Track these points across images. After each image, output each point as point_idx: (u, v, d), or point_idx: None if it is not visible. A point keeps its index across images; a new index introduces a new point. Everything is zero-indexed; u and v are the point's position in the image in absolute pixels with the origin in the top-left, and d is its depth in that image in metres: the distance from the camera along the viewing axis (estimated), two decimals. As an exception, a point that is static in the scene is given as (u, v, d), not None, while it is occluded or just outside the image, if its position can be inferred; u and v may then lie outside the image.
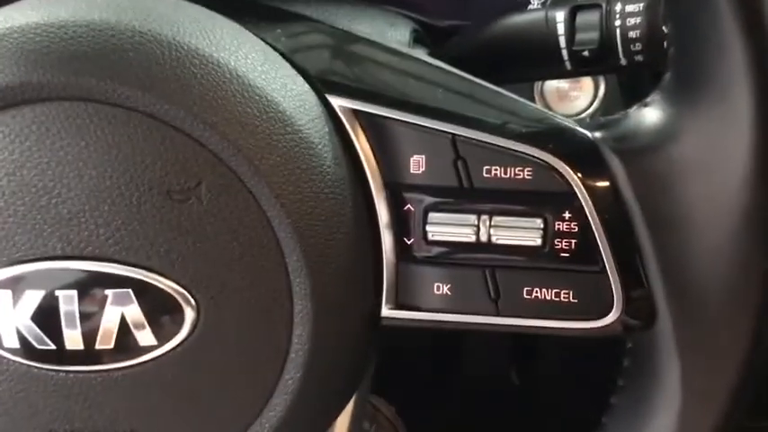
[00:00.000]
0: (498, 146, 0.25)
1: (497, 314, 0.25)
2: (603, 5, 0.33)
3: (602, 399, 0.28)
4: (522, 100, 0.27)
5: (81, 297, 0.24)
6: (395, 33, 0.35)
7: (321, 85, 0.26)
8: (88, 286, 0.24)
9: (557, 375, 0.51)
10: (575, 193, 0.24)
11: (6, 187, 0.23)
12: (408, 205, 0.26)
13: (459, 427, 0.50)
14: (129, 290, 0.24)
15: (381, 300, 0.26)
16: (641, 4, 0.32)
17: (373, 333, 0.27)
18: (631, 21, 0.32)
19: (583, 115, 0.46)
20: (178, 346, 0.24)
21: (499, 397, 0.52)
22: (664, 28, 0.32)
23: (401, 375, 0.40)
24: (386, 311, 0.26)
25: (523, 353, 0.52)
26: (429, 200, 0.25)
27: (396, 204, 0.26)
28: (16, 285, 0.24)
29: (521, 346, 0.52)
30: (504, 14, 0.35)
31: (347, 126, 0.25)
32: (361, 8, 0.35)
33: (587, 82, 0.48)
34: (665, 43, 0.31)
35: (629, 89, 0.46)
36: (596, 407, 0.28)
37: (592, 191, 0.24)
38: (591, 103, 0.48)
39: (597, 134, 0.25)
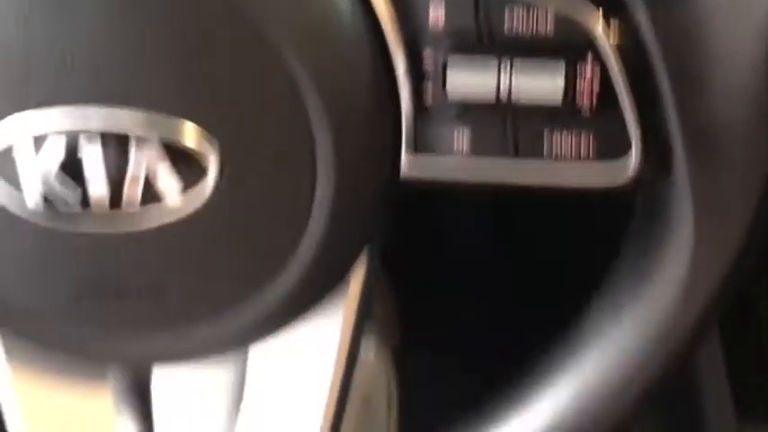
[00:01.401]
0: None
1: (516, 157, 0.26)
2: None
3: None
4: None
5: (116, 153, 0.23)
6: None
7: None
8: (114, 143, 0.23)
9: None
10: (596, 40, 0.24)
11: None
12: (427, 59, 0.25)
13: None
14: (155, 145, 0.24)
15: (400, 156, 0.26)
16: None
17: (393, 187, 0.27)
18: None
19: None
20: (210, 197, 0.24)
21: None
22: None
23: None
24: (404, 170, 0.26)
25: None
26: (448, 51, 0.25)
27: (413, 57, 0.25)
28: (39, 141, 0.23)
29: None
30: None
31: None
32: None
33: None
34: None
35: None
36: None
37: (615, 38, 0.24)
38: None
39: None
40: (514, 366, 0.31)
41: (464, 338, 0.51)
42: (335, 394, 0.32)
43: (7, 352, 0.31)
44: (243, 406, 0.33)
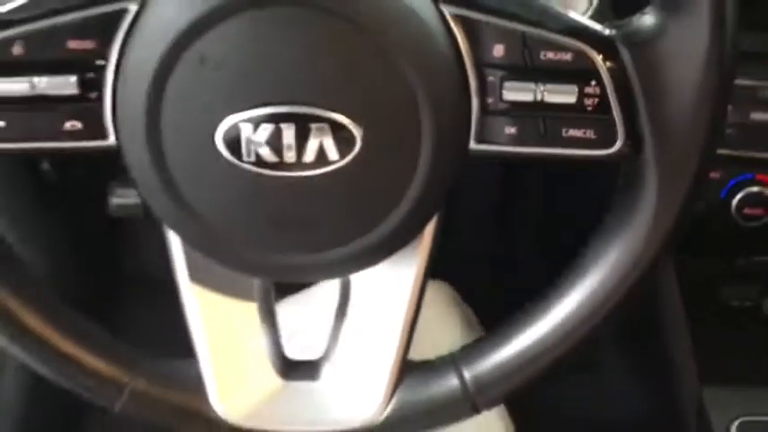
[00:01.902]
0: (551, 39, 0.39)
1: (546, 146, 0.40)
2: None
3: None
4: (560, 9, 0.41)
5: (297, 129, 0.38)
6: None
7: None
8: (300, 121, 0.38)
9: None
10: (598, 70, 0.39)
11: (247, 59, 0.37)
12: (490, 77, 0.40)
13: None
14: (325, 124, 0.38)
15: (470, 139, 0.41)
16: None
17: (462, 162, 0.41)
18: None
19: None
20: (352, 157, 0.39)
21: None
22: None
23: None
24: (473, 145, 0.41)
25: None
26: (504, 73, 0.40)
27: (481, 76, 0.40)
28: (256, 121, 0.38)
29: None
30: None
31: (451, 24, 0.39)
32: None
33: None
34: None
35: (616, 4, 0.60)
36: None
37: (609, 68, 0.39)
38: (584, 12, 0.62)
39: (613, 32, 0.39)
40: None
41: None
42: (410, 317, 0.46)
43: (191, 275, 0.45)
44: (346, 316, 0.47)
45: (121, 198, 1.02)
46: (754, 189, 0.63)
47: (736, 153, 0.63)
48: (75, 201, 1.04)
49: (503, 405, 0.67)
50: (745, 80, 0.61)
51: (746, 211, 0.63)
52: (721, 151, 0.62)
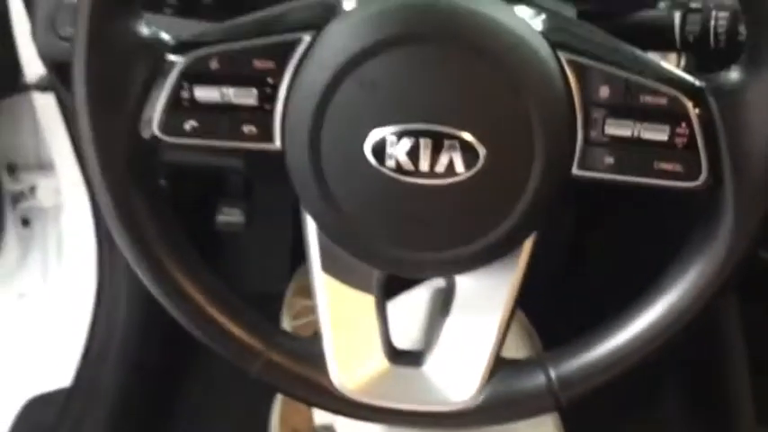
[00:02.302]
0: (650, 86, 0.46)
1: (639, 175, 0.47)
2: (705, 11, 0.55)
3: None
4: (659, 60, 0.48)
5: (433, 144, 0.46)
6: (569, 13, 0.57)
7: (555, 46, 0.47)
8: (436, 137, 0.46)
9: None
10: (688, 113, 0.46)
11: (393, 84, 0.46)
12: (595, 114, 0.47)
13: None
14: (456, 140, 0.46)
15: (573, 165, 0.48)
16: (728, 12, 0.54)
17: (565, 185, 0.48)
18: (721, 22, 0.54)
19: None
20: (475, 171, 0.46)
21: None
22: (740, 29, 0.53)
23: None
24: (575, 171, 0.48)
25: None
26: (607, 111, 0.47)
27: (587, 113, 0.47)
28: (399, 135, 0.46)
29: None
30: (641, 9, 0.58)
31: (566, 67, 0.47)
32: None
33: (672, 56, 0.69)
34: (739, 37, 0.53)
35: (699, 63, 0.68)
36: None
37: (697, 114, 0.46)
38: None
39: (703, 83, 0.47)
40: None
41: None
42: (506, 318, 0.53)
43: (323, 265, 0.53)
44: (449, 314, 0.54)
45: (227, 216, 1.13)
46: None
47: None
48: (184, 215, 1.14)
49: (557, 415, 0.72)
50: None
51: None
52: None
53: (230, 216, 1.11)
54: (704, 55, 0.62)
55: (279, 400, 1.07)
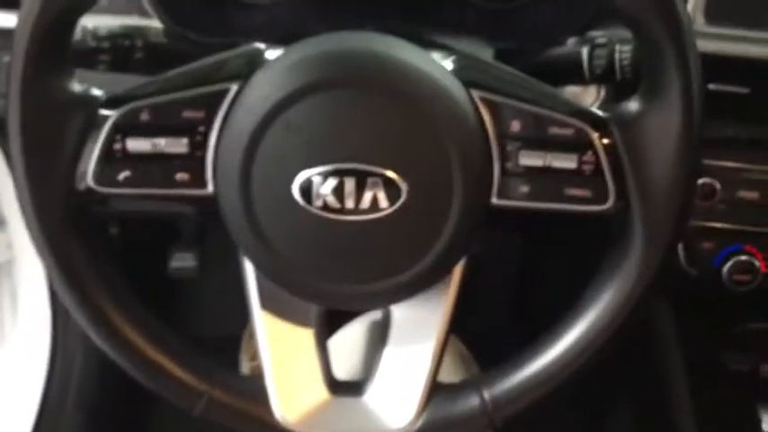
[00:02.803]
0: (558, 118, 0.50)
1: (552, 201, 0.50)
2: (609, 45, 0.59)
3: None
4: (570, 97, 0.52)
5: (357, 182, 0.48)
6: (486, 53, 0.60)
7: (467, 84, 0.50)
8: (359, 176, 0.48)
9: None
10: (594, 142, 0.49)
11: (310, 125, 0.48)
12: (509, 146, 0.50)
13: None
14: (378, 178, 0.48)
15: (492, 194, 0.51)
16: (630, 46, 0.58)
17: (485, 213, 0.51)
18: (625, 55, 0.58)
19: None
20: (399, 206, 0.49)
21: None
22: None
23: None
24: (494, 200, 0.51)
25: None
26: (520, 143, 0.50)
27: (502, 146, 0.50)
28: (324, 175, 0.48)
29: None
30: (551, 47, 0.61)
31: (479, 104, 0.50)
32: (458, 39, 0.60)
33: (592, 88, 0.73)
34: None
35: (617, 93, 0.71)
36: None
37: (602, 142, 0.49)
38: (594, 102, 0.73)
39: (607, 114, 0.50)
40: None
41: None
42: (440, 344, 0.56)
43: (262, 303, 0.55)
44: (387, 344, 0.57)
45: (179, 261, 1.14)
46: (743, 258, 0.72)
47: (726, 226, 0.72)
48: (137, 263, 1.15)
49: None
50: (734, 163, 0.72)
51: (736, 277, 0.72)
52: (713, 224, 0.72)
53: (183, 261, 1.13)
54: (615, 87, 0.66)
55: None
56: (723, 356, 0.84)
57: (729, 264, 0.72)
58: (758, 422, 0.82)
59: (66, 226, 0.51)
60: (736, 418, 0.81)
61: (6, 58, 0.52)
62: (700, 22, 0.69)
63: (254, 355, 1.17)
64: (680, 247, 0.71)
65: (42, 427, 1.04)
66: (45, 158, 0.50)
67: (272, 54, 0.51)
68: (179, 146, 0.50)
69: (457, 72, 0.51)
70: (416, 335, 0.56)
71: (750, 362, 0.84)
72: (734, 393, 0.83)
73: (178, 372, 0.55)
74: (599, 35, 0.63)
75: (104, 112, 0.50)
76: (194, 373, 0.55)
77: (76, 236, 0.51)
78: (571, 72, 0.63)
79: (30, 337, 1.07)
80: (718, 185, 0.71)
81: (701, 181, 0.70)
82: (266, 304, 0.55)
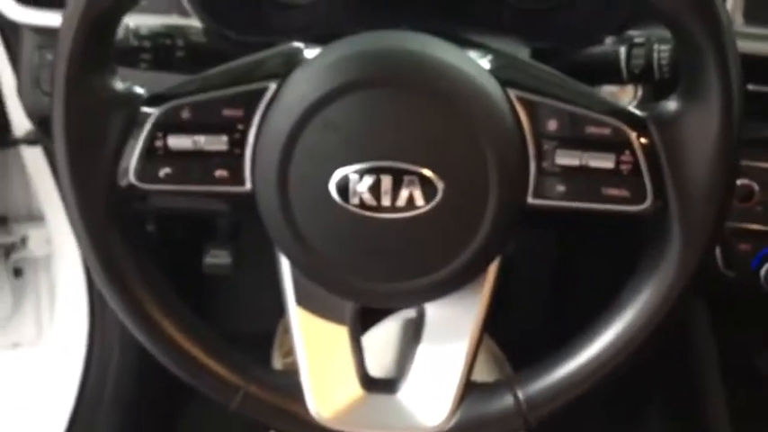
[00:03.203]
0: (595, 117, 0.50)
1: (589, 201, 0.50)
2: (647, 45, 0.58)
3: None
4: (603, 94, 0.52)
5: (393, 180, 0.49)
6: (523, 53, 0.60)
7: (504, 83, 0.50)
8: (396, 174, 0.49)
9: None
10: (632, 142, 0.49)
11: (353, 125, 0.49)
12: (546, 146, 0.50)
13: None
14: (415, 176, 0.49)
15: (528, 193, 0.51)
16: (669, 45, 0.58)
17: (521, 213, 0.51)
18: (664, 54, 0.58)
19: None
20: (435, 204, 0.49)
21: None
22: None
23: None
24: (530, 199, 0.51)
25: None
26: (557, 143, 0.50)
27: (538, 145, 0.50)
28: (361, 173, 0.49)
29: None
30: (588, 46, 0.61)
31: (516, 104, 0.50)
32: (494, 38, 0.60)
33: (629, 88, 0.73)
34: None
35: (655, 93, 0.71)
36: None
37: (640, 142, 0.49)
38: (631, 101, 0.73)
39: (645, 113, 0.50)
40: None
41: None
42: (474, 343, 0.56)
43: (297, 300, 0.56)
44: (420, 342, 0.57)
45: (214, 258, 1.15)
46: (781, 260, 0.72)
47: (764, 228, 0.72)
48: (173, 260, 1.16)
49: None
50: (772, 164, 0.71)
51: None
52: (751, 226, 0.71)
53: (218, 258, 1.14)
54: (653, 86, 0.65)
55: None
56: (759, 359, 0.83)
57: (767, 266, 0.72)
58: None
59: (107, 221, 0.52)
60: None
61: (50, 57, 0.53)
62: (739, 23, 0.68)
63: (287, 352, 1.19)
64: (717, 248, 0.71)
65: (79, 422, 1.06)
66: (88, 155, 0.51)
67: (309, 53, 0.52)
68: (218, 143, 0.51)
69: (494, 71, 0.51)
70: (450, 333, 0.56)
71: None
72: (769, 396, 0.82)
73: (215, 366, 0.55)
74: (637, 34, 0.63)
75: (146, 109, 0.51)
76: (231, 368, 0.56)
77: (117, 231, 0.52)
78: (608, 71, 0.62)
79: (68, 332, 1.09)
80: (756, 187, 0.70)
81: (739, 182, 0.69)
82: (302, 301, 0.56)
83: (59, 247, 1.08)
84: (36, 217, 1.10)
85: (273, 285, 0.56)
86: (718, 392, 0.83)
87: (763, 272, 0.72)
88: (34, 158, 0.95)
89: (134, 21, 0.64)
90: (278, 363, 1.17)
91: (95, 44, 0.50)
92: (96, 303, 1.06)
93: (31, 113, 0.77)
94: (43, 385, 1.10)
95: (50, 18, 0.70)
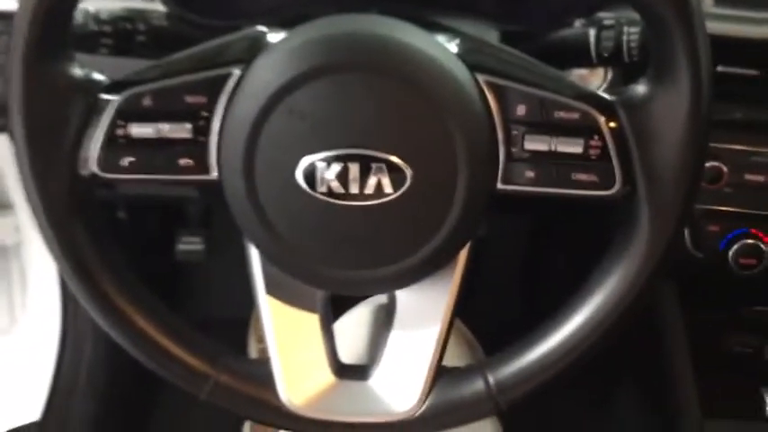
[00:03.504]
0: (563, 102, 0.49)
1: (558, 187, 0.50)
2: (617, 27, 0.58)
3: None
4: (573, 79, 0.51)
5: (361, 167, 0.48)
6: (492, 36, 0.60)
7: (472, 68, 0.50)
8: (363, 161, 0.48)
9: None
10: (600, 126, 0.49)
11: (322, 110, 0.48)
12: (514, 131, 0.50)
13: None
14: (383, 164, 0.48)
15: (497, 179, 0.51)
16: (639, 27, 0.57)
17: (490, 199, 0.51)
18: (633, 37, 0.58)
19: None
20: (403, 191, 0.49)
21: None
22: None
23: None
24: (499, 185, 0.51)
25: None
26: (526, 128, 0.50)
27: (507, 130, 0.50)
28: (328, 160, 0.48)
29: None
30: (557, 29, 0.61)
31: (484, 88, 0.50)
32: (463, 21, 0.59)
33: (600, 70, 0.73)
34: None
35: (625, 76, 0.71)
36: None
37: (609, 126, 0.49)
38: (601, 84, 0.73)
39: (613, 97, 0.50)
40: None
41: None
42: (445, 329, 0.56)
43: (267, 289, 0.55)
44: (392, 328, 0.57)
45: (187, 244, 1.14)
46: (749, 241, 0.72)
47: (732, 209, 0.72)
48: (145, 247, 1.16)
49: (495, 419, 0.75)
50: (742, 146, 0.71)
51: (742, 261, 0.72)
52: (720, 207, 0.72)
53: (190, 245, 1.14)
54: (623, 69, 0.65)
55: (247, 426, 1.09)
56: (728, 340, 0.84)
57: (735, 247, 0.72)
58: (762, 405, 0.82)
59: (69, 211, 0.51)
60: (740, 401, 0.81)
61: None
62: (708, 3, 0.68)
63: (262, 338, 1.18)
64: (686, 230, 0.71)
65: (53, 410, 1.05)
66: (47, 144, 0.50)
67: (274, 37, 0.51)
68: (182, 131, 0.50)
69: (462, 55, 0.50)
70: (421, 319, 0.56)
71: (754, 345, 0.84)
72: (738, 377, 0.83)
73: (184, 356, 0.55)
74: (607, 17, 0.63)
75: (106, 97, 0.50)
76: (200, 357, 0.55)
77: (80, 221, 0.52)
78: (578, 54, 0.62)
79: (40, 321, 1.08)
80: (725, 168, 0.70)
81: (707, 164, 0.70)
82: (271, 289, 0.55)
83: (29, 235, 1.06)
84: (5, 205, 1.09)
85: (246, 271, 0.56)
86: (688, 373, 0.83)
87: (731, 253, 0.72)
88: (1, 146, 0.94)
89: (94, 5, 0.63)
90: (253, 348, 1.17)
91: (52, 30, 0.49)
92: (68, 293, 1.05)
93: (-4, 100, 0.75)
94: (17, 374, 1.09)
95: (9, 2, 0.68)
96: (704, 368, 0.82)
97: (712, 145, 0.69)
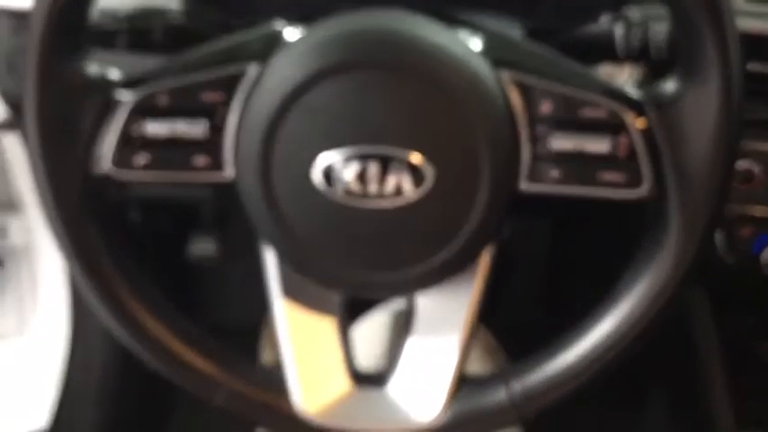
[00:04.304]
0: (590, 99, 0.47)
1: (584, 186, 0.48)
2: (644, 23, 0.56)
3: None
4: (599, 74, 0.49)
5: (380, 166, 0.46)
6: (515, 32, 0.58)
7: (496, 64, 0.48)
8: (383, 160, 0.46)
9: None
10: (628, 124, 0.47)
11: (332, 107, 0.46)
12: (539, 129, 0.48)
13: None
14: (403, 163, 0.46)
15: (521, 178, 0.49)
16: (666, 24, 0.55)
17: (514, 199, 0.49)
18: (661, 33, 0.55)
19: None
20: (424, 191, 0.47)
21: None
22: None
23: None
24: (523, 185, 0.49)
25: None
26: (551, 126, 0.48)
27: (531, 128, 0.48)
28: (346, 158, 0.46)
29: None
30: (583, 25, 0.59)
31: (508, 85, 0.48)
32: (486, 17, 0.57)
33: (625, 67, 0.70)
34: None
35: (653, 72, 0.69)
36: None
37: (637, 124, 0.47)
38: (627, 81, 0.71)
39: (641, 95, 0.48)
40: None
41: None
42: (467, 335, 0.53)
43: (283, 291, 0.53)
44: (411, 334, 0.55)
45: (200, 247, 1.13)
46: (783, 245, 0.69)
47: (766, 211, 0.69)
48: (159, 249, 1.14)
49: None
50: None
51: None
52: (752, 209, 0.69)
53: (203, 247, 1.12)
54: (651, 66, 0.63)
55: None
56: (759, 345, 0.81)
57: (768, 250, 0.70)
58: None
59: (82, 211, 0.49)
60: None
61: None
62: (739, 0, 0.66)
63: (276, 343, 1.17)
64: (718, 233, 0.69)
65: (62, 415, 1.04)
66: (61, 142, 0.48)
67: (292, 33, 0.49)
68: (198, 129, 0.48)
69: (485, 52, 0.48)
70: (442, 325, 0.54)
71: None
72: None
73: (197, 362, 0.53)
74: (633, 12, 0.60)
75: (121, 94, 0.48)
76: (214, 363, 0.53)
77: (93, 222, 0.50)
78: (604, 51, 0.60)
79: (51, 323, 1.07)
80: (757, 169, 0.68)
81: (738, 164, 0.67)
82: (287, 293, 0.53)
83: (40, 236, 1.05)
84: (16, 206, 1.07)
85: (260, 275, 0.54)
86: (720, 379, 0.81)
87: (764, 256, 0.70)
88: (12, 145, 0.92)
89: (111, 3, 0.61)
90: (266, 354, 1.15)
91: (67, 28, 0.47)
92: (79, 294, 1.04)
93: (8, 99, 0.74)
94: (26, 378, 1.08)
95: (26, 1, 0.67)
96: (736, 375, 0.79)
97: (743, 144, 0.66)
